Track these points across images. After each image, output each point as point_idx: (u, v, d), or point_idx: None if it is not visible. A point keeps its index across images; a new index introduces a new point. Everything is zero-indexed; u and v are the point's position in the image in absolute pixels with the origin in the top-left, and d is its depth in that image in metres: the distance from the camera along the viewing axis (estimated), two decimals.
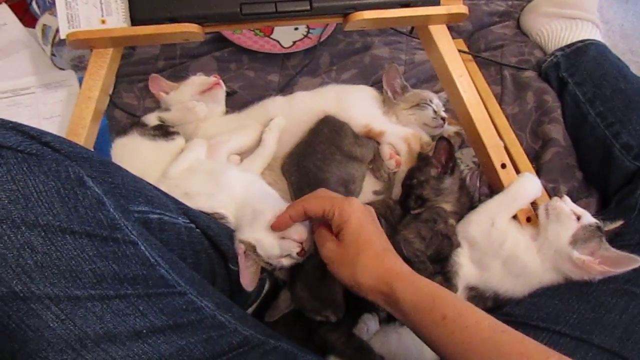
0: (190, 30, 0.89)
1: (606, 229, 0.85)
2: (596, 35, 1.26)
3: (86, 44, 0.92)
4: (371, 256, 0.68)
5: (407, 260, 0.75)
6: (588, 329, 0.76)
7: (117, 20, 0.90)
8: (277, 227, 0.78)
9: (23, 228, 0.51)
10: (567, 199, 0.87)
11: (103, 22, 0.90)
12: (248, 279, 0.81)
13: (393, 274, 0.66)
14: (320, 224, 0.75)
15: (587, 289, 0.81)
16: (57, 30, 0.94)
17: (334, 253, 0.71)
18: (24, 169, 0.53)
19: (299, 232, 0.80)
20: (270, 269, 0.84)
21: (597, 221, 0.84)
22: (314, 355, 0.78)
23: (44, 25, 1.16)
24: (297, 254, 0.80)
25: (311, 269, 0.83)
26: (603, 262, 0.79)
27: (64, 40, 0.91)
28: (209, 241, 0.79)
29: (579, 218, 0.84)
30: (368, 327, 0.86)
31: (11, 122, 0.56)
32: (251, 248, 0.81)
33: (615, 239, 0.86)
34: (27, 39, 1.22)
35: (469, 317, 0.61)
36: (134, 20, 0.89)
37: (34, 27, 1.20)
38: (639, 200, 0.93)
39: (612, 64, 1.16)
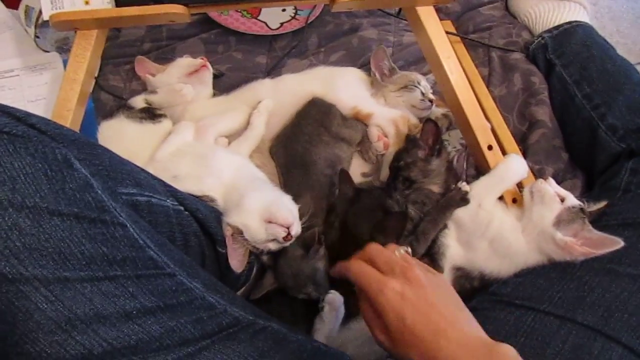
0: (175, 11, 0.88)
1: (590, 209, 0.87)
2: (583, 17, 1.27)
3: (70, 26, 0.90)
4: (421, 351, 0.59)
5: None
6: (572, 307, 0.77)
7: (102, 0, 0.89)
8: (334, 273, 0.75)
9: (10, 210, 0.51)
10: (551, 180, 0.88)
11: (87, 2, 0.89)
12: (236, 261, 0.81)
13: None
14: (365, 302, 0.68)
15: (572, 269, 0.82)
16: (41, 12, 0.92)
17: (385, 340, 0.64)
18: (10, 150, 0.52)
19: (285, 216, 0.80)
20: (258, 252, 0.84)
21: (580, 203, 0.85)
22: (304, 335, 0.78)
23: (27, 6, 1.14)
24: (284, 238, 0.80)
25: (292, 247, 0.84)
26: (585, 243, 0.80)
27: (47, 21, 0.89)
28: (197, 224, 0.79)
29: (562, 200, 0.85)
30: None
31: None
32: (238, 232, 0.81)
33: (600, 220, 0.87)
34: (10, 21, 1.20)
35: None
36: (118, 1, 0.88)
37: (17, 9, 1.18)
38: (624, 181, 0.94)
39: (598, 45, 1.16)
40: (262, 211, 0.81)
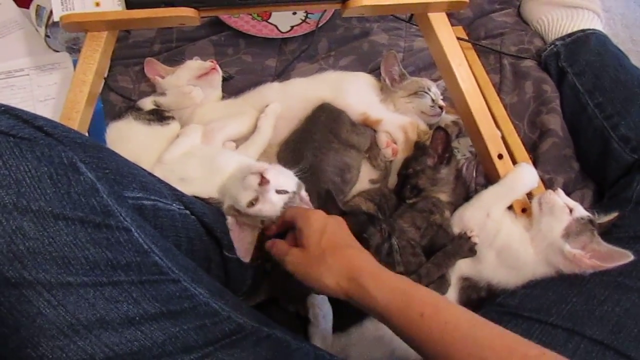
0: (185, 14, 0.88)
1: (601, 221, 0.86)
2: (597, 24, 1.25)
3: (80, 27, 0.91)
4: (336, 255, 0.67)
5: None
6: (580, 320, 0.76)
7: (112, 3, 0.89)
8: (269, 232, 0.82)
9: (15, 213, 0.50)
10: (560, 192, 0.87)
11: (97, 4, 0.89)
12: (244, 249, 0.80)
13: (360, 271, 0.64)
14: (274, 240, 0.76)
15: (581, 281, 0.81)
16: (52, 12, 0.92)
17: (298, 259, 0.70)
18: (16, 153, 0.52)
19: (259, 165, 0.83)
20: (263, 227, 0.83)
21: (589, 214, 0.84)
22: (308, 342, 0.78)
23: (38, 6, 1.14)
24: (259, 184, 0.80)
25: None
26: (594, 256, 0.79)
27: (58, 22, 0.89)
28: (204, 228, 0.79)
29: (571, 211, 0.84)
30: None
31: (3, 105, 0.55)
32: (233, 210, 0.81)
33: (610, 232, 0.86)
34: (21, 20, 1.20)
35: (447, 313, 0.59)
36: (129, 4, 0.88)
37: (28, 8, 1.18)
38: (635, 193, 0.93)
39: (612, 54, 1.15)
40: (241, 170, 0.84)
